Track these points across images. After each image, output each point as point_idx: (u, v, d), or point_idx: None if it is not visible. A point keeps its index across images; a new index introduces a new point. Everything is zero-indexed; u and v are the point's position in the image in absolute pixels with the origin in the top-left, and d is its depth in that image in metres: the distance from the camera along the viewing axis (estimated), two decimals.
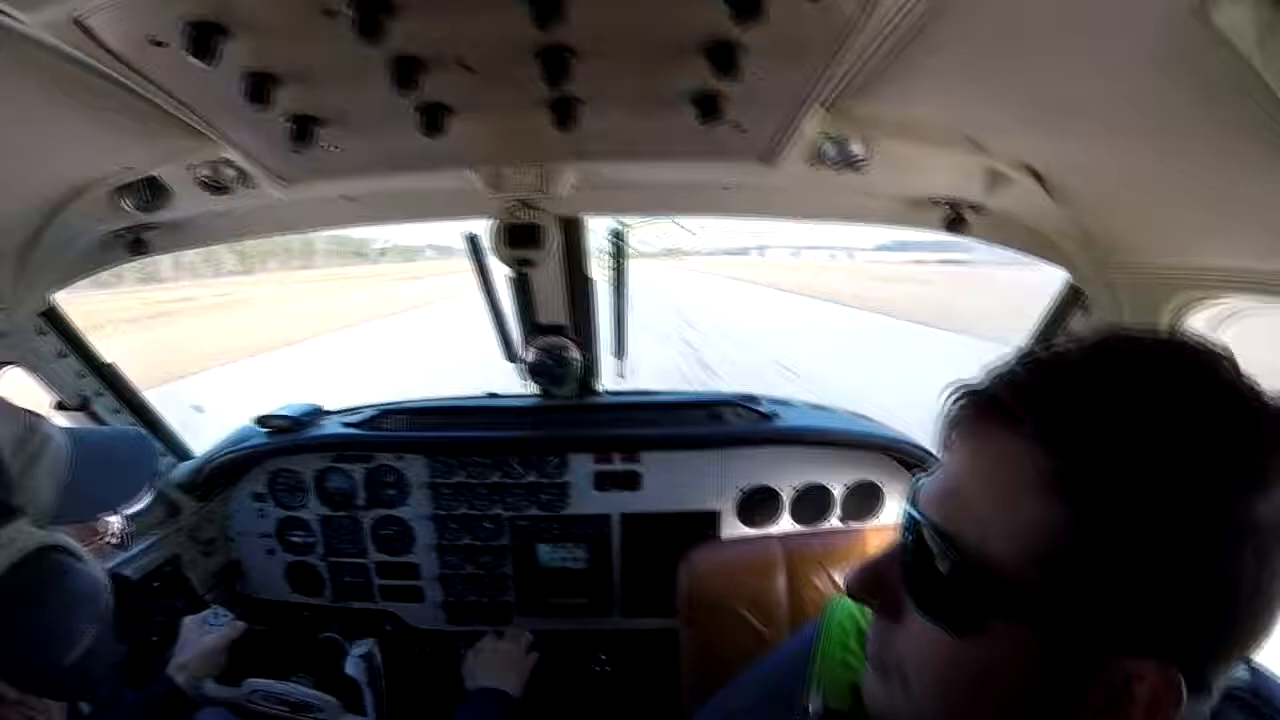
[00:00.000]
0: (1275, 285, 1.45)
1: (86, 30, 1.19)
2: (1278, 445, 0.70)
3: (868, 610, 1.19)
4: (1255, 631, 0.73)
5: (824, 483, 2.81)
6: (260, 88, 1.34)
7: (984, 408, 0.79)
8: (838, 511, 2.83)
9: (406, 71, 1.29)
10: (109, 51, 1.25)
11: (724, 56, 1.23)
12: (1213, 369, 0.74)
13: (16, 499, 1.25)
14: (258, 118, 1.48)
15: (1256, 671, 0.95)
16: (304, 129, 1.54)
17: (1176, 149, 1.33)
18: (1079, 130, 1.48)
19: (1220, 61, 0.97)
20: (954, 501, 0.80)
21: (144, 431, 1.85)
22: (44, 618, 1.23)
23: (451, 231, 2.96)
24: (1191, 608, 0.70)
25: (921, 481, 0.87)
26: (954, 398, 0.83)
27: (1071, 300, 2.10)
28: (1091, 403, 0.72)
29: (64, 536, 1.33)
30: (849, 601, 1.27)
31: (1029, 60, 1.26)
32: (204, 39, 1.15)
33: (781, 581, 2.10)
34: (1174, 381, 0.73)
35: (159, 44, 1.20)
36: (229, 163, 1.92)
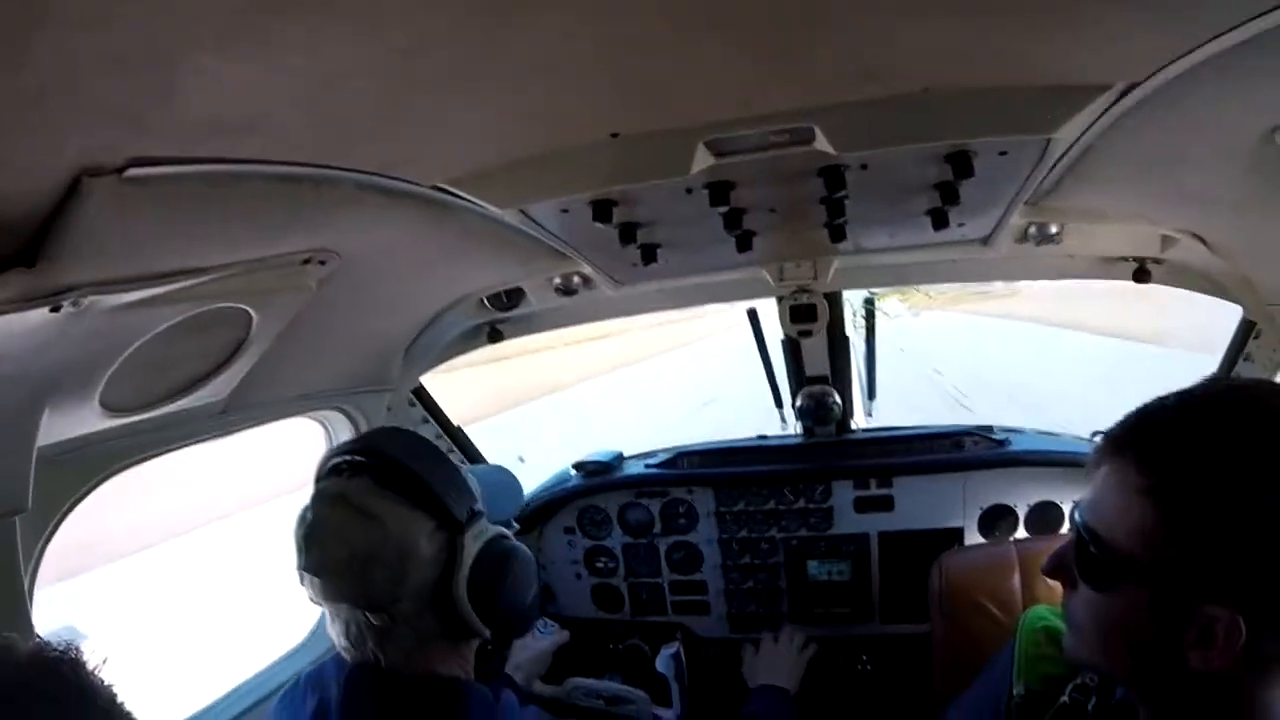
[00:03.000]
0: None
1: (525, 213, 1.70)
2: None
3: (1050, 619, 1.59)
4: None
5: (1055, 500, 3.04)
6: (630, 231, 1.82)
7: (1109, 444, 1.14)
8: (1066, 524, 2.99)
9: (734, 218, 1.78)
10: (534, 221, 1.76)
11: (949, 191, 1.70)
12: (1258, 401, 1.06)
13: (479, 506, 1.62)
14: (618, 249, 1.96)
15: None
16: (650, 253, 2.01)
17: None
18: (1224, 206, 1.83)
19: None
20: (1094, 508, 1.14)
21: (510, 470, 2.35)
22: (511, 574, 1.62)
23: None
24: (1247, 570, 0.98)
25: (1083, 497, 1.20)
26: (1096, 438, 1.18)
27: (1247, 330, 2.38)
28: (1168, 437, 1.07)
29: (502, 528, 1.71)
30: (1034, 614, 1.65)
31: (1175, 163, 1.65)
32: (603, 209, 1.65)
33: (1016, 579, 2.38)
34: (1223, 416, 1.05)
35: (565, 211, 1.70)
36: (579, 273, 2.46)
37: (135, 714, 0.91)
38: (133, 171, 0.99)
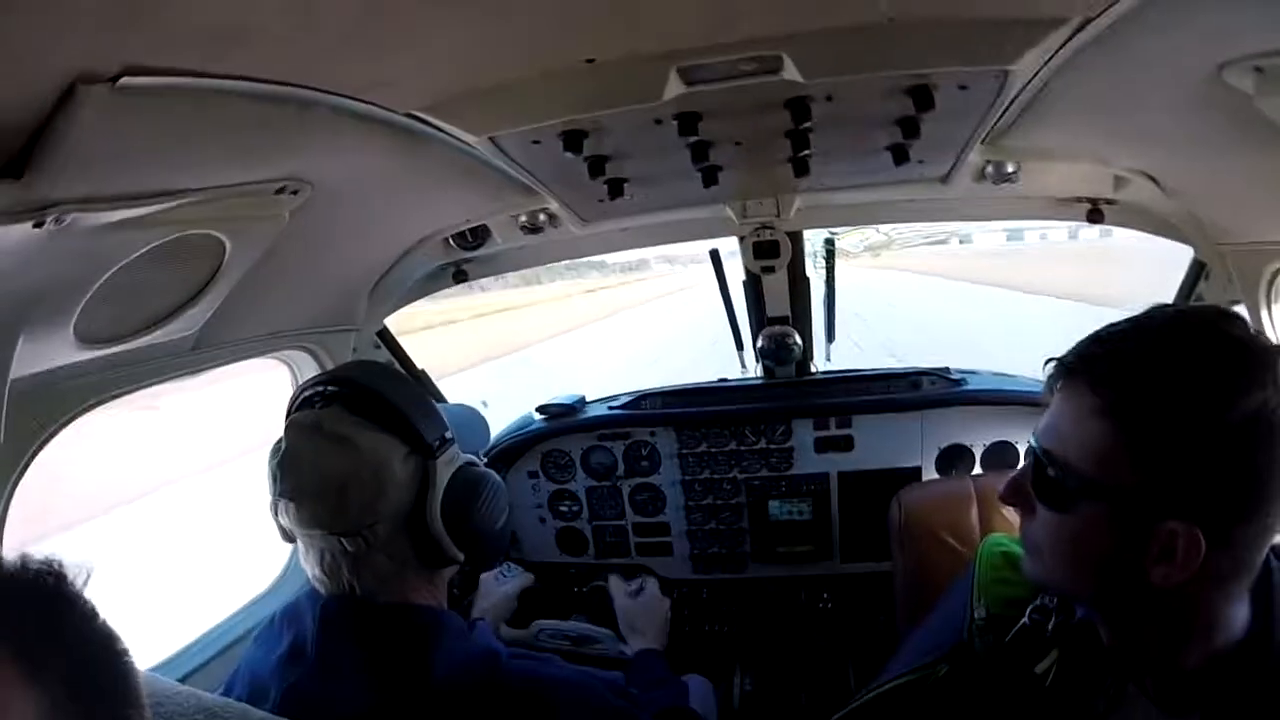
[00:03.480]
0: None
1: (496, 143, 1.70)
2: (1256, 369, 1.03)
3: (1009, 545, 1.63)
4: (1261, 500, 1.05)
5: (1009, 439, 3.12)
6: (599, 164, 1.84)
7: (1063, 370, 1.19)
8: (1021, 463, 3.14)
9: (702, 150, 1.82)
10: (502, 151, 1.76)
11: (910, 125, 1.74)
12: (1211, 324, 1.10)
13: (449, 434, 1.64)
14: (586, 183, 1.98)
15: None
16: (617, 188, 2.02)
17: (1246, 155, 1.69)
18: (1173, 146, 1.89)
19: (1248, 100, 1.34)
20: (1051, 432, 1.20)
21: (476, 408, 2.40)
22: (483, 498, 1.67)
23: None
24: (1201, 484, 1.04)
25: (1039, 424, 1.25)
26: (1049, 366, 1.23)
27: (1197, 270, 2.43)
28: (1123, 359, 1.11)
29: (472, 456, 1.74)
30: (993, 540, 1.69)
31: (1126, 101, 1.69)
32: (573, 140, 1.67)
33: (974, 512, 2.42)
34: (1176, 338, 1.09)
35: (536, 142, 1.70)
36: (545, 210, 2.49)
37: (114, 628, 0.92)
38: (125, 80, 0.99)
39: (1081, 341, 1.20)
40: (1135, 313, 1.19)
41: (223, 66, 1.10)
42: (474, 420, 2.07)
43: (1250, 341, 1.09)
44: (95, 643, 0.89)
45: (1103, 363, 1.14)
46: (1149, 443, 1.07)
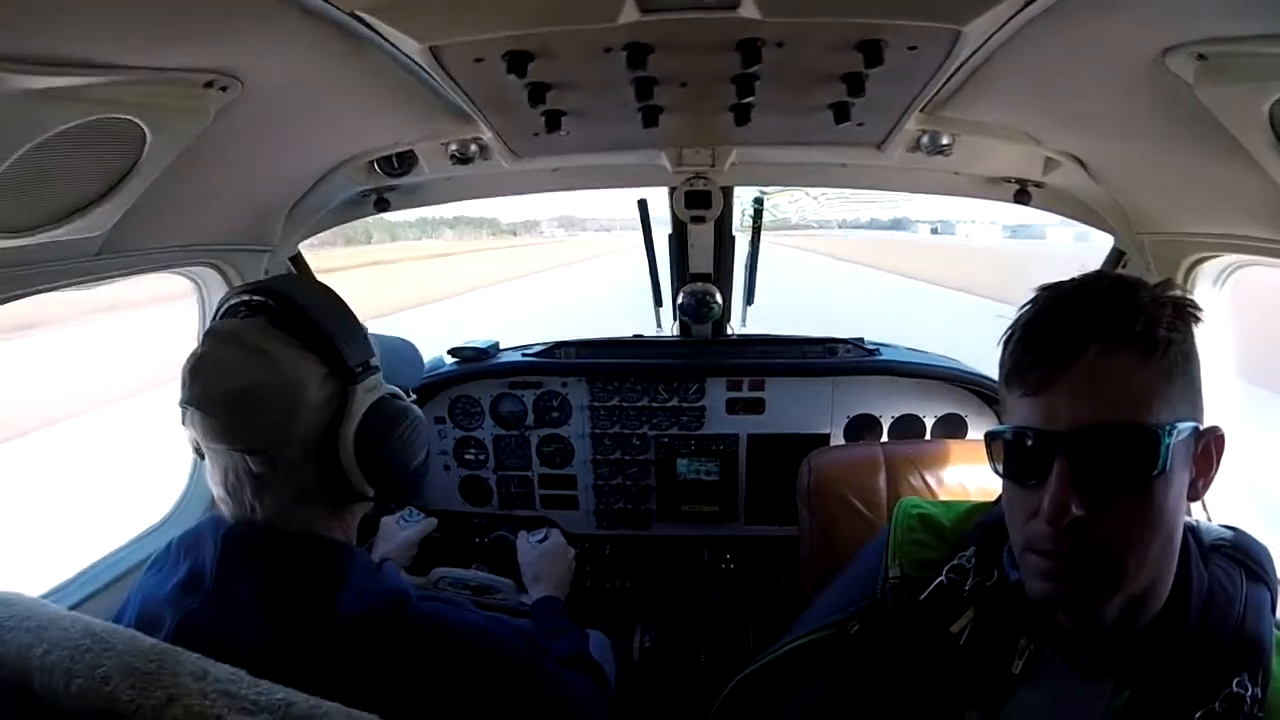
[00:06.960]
0: (1259, 246, 1.85)
1: (437, 57, 1.61)
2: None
3: (925, 507, 1.65)
4: None
5: (918, 413, 3.23)
6: (540, 92, 1.79)
7: (1104, 341, 1.12)
8: (928, 438, 3.21)
9: (646, 86, 1.78)
10: (443, 67, 1.68)
11: (856, 83, 1.73)
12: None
13: (374, 361, 1.57)
14: (523, 111, 1.92)
15: (1237, 530, 1.33)
16: (554, 120, 1.97)
17: (1176, 145, 1.73)
18: (1107, 130, 1.92)
19: (1186, 89, 1.37)
20: (1121, 402, 1.12)
21: (413, 344, 2.34)
22: (401, 432, 1.60)
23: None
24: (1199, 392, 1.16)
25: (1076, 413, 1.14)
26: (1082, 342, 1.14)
27: (1116, 259, 2.49)
28: (1141, 309, 1.12)
29: (398, 389, 1.67)
30: (908, 503, 1.68)
31: (1067, 82, 1.71)
32: (518, 61, 1.60)
33: (882, 478, 2.45)
34: (1150, 284, 1.18)
35: (479, 60, 1.62)
36: (478, 140, 2.42)
37: None
38: None
39: (1080, 310, 1.16)
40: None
41: None
42: (408, 354, 2.02)
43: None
44: None
45: (1122, 318, 1.12)
46: (1182, 369, 1.14)
